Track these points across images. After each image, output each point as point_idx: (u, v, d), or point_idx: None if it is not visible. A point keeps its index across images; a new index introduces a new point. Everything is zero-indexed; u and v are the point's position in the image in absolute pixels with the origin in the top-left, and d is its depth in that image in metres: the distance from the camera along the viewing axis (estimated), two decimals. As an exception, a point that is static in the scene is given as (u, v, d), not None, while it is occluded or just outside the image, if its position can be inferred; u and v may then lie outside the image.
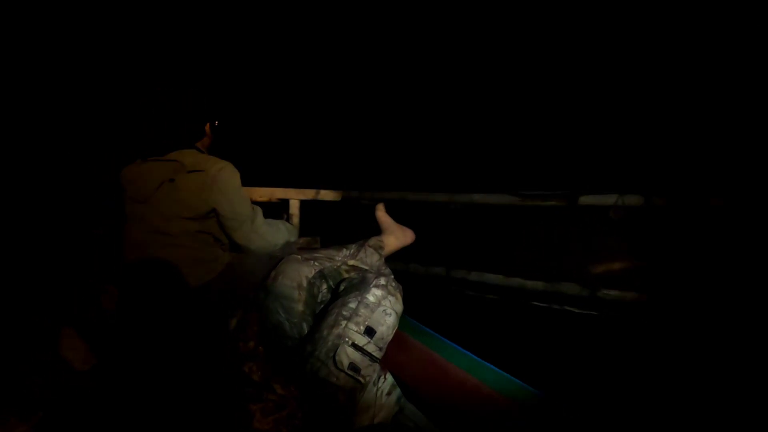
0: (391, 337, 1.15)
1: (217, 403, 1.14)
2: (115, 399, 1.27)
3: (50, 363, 1.36)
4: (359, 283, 1.22)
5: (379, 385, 1.16)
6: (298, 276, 1.29)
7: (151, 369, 1.31)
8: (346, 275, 1.34)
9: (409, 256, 2.07)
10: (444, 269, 2.27)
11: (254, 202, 1.54)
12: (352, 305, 1.16)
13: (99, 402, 1.27)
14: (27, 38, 2.15)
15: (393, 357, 1.19)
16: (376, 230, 1.60)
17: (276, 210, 2.03)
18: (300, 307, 1.25)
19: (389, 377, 1.18)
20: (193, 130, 1.50)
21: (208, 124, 1.54)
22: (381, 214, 1.65)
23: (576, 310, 1.86)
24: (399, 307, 1.18)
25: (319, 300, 1.30)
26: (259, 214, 1.51)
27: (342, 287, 1.26)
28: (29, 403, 1.24)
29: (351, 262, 1.37)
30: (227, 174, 1.40)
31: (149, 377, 1.29)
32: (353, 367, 1.10)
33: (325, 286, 1.32)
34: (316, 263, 1.32)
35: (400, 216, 1.69)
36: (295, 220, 2.04)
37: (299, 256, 1.33)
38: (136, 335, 1.39)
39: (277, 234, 1.57)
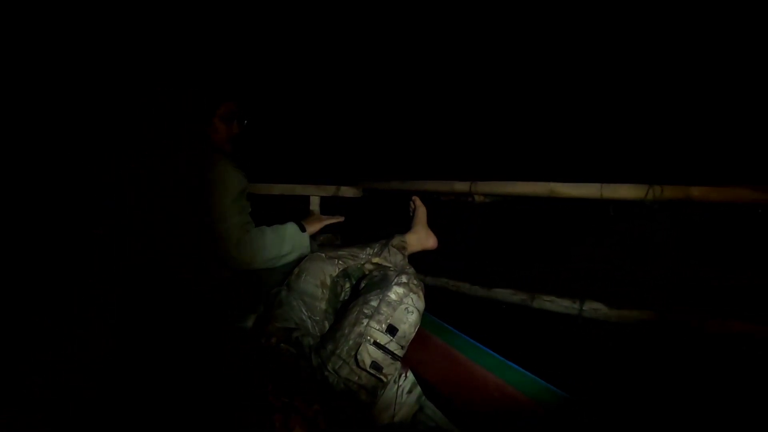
0: (413, 336, 1.16)
1: (231, 402, 1.13)
2: (119, 399, 1.25)
3: (50, 363, 1.34)
4: (381, 281, 1.22)
5: (400, 383, 1.17)
6: (322, 274, 1.29)
7: (163, 367, 1.29)
8: (368, 273, 1.34)
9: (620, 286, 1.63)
10: (657, 314, 1.47)
11: (273, 198, 1.54)
12: (374, 303, 1.16)
13: (100, 402, 1.25)
14: (27, 38, 2.13)
15: (414, 355, 1.20)
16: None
17: (296, 206, 2.02)
18: (323, 305, 1.26)
19: (410, 375, 1.19)
20: (194, 128, 1.49)
21: (217, 120, 1.52)
22: (420, 209, 1.67)
23: None
24: (421, 305, 1.19)
25: (341, 298, 1.31)
26: (252, 228, 1.47)
27: (363, 284, 1.27)
28: (29, 403, 1.22)
29: (375, 260, 1.38)
30: (220, 176, 1.39)
31: (160, 376, 1.27)
32: (375, 365, 1.10)
33: (348, 285, 1.33)
34: (340, 262, 1.33)
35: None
36: (316, 217, 2.04)
37: (323, 254, 1.34)
38: (148, 333, 1.37)
39: (275, 246, 1.49)
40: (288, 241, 1.50)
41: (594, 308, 1.53)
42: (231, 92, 1.58)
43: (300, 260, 1.34)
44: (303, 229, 1.57)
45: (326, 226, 1.70)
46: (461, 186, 1.80)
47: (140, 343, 1.36)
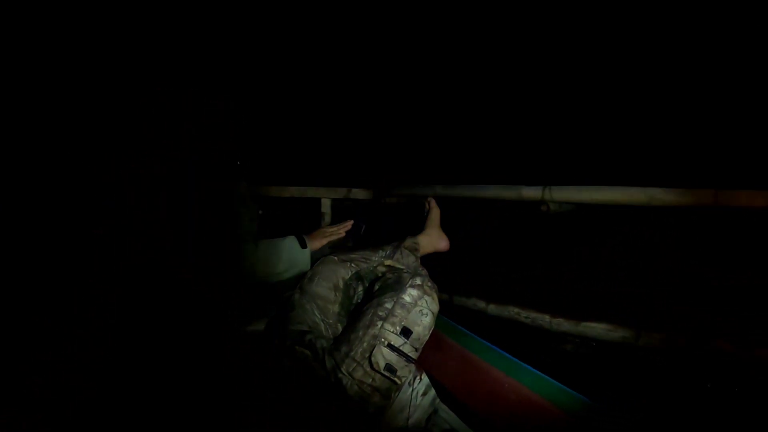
0: (427, 338, 1.16)
1: (231, 403, 1.13)
2: (119, 399, 1.24)
3: (50, 363, 1.32)
4: (395, 283, 1.23)
5: (415, 385, 1.17)
6: (335, 277, 1.29)
7: (163, 368, 1.28)
8: (381, 275, 1.34)
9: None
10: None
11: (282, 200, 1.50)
12: (388, 305, 1.16)
13: (100, 402, 1.24)
14: (27, 38, 2.11)
15: (428, 357, 1.20)
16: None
17: (307, 208, 1.99)
18: (336, 308, 1.26)
19: (425, 378, 1.19)
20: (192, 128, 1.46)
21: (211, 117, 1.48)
22: (434, 210, 1.67)
23: None
24: (435, 307, 1.19)
25: (354, 301, 1.31)
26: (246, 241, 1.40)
27: (377, 287, 1.27)
28: (29, 403, 1.20)
29: (387, 263, 1.38)
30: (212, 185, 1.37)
31: (160, 376, 1.26)
32: (389, 368, 1.10)
33: (361, 288, 1.33)
34: (352, 264, 1.33)
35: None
36: (327, 219, 2.00)
37: (336, 257, 1.34)
38: (148, 333, 1.36)
39: (269, 264, 1.41)
40: (285, 259, 1.42)
41: (719, 348, 1.23)
42: (224, 88, 1.52)
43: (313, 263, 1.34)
44: (304, 245, 1.49)
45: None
46: (531, 192, 1.52)
47: (140, 343, 1.34)
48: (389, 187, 2.01)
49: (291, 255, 1.43)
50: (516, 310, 1.60)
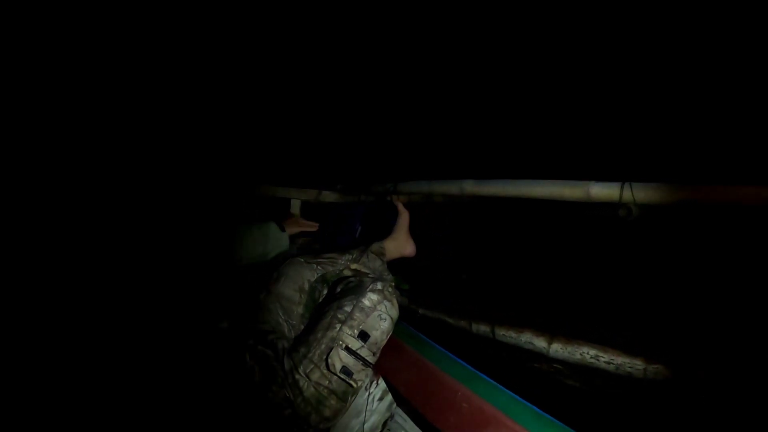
0: (384, 343, 1.16)
1: (214, 403, 1.15)
2: (119, 398, 1.27)
3: (50, 363, 1.37)
4: (356, 287, 1.23)
5: (371, 390, 1.17)
6: (301, 279, 1.31)
7: (150, 368, 1.31)
8: (345, 278, 1.35)
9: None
10: None
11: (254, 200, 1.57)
12: (348, 308, 1.17)
13: (100, 401, 1.28)
14: (29, 40, 2.17)
15: (386, 363, 1.19)
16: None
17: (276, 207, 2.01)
18: (300, 309, 1.27)
19: (381, 383, 1.18)
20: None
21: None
22: (403, 214, 1.68)
23: None
24: (394, 313, 1.19)
25: (318, 304, 1.32)
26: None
27: (338, 289, 1.27)
28: (29, 403, 1.25)
29: (354, 266, 1.39)
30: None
31: (149, 377, 1.29)
32: (346, 370, 1.10)
33: (326, 290, 1.33)
34: (318, 267, 1.35)
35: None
36: (296, 220, 2.03)
37: (302, 259, 1.35)
38: (142, 333, 1.40)
39: (260, 244, 1.60)
40: (270, 240, 1.59)
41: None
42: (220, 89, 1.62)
43: (280, 264, 1.35)
44: (282, 229, 1.67)
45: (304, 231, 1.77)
46: (604, 190, 1.14)
47: (137, 343, 1.38)
48: (397, 182, 1.77)
49: (275, 237, 1.60)
50: (593, 352, 1.16)
